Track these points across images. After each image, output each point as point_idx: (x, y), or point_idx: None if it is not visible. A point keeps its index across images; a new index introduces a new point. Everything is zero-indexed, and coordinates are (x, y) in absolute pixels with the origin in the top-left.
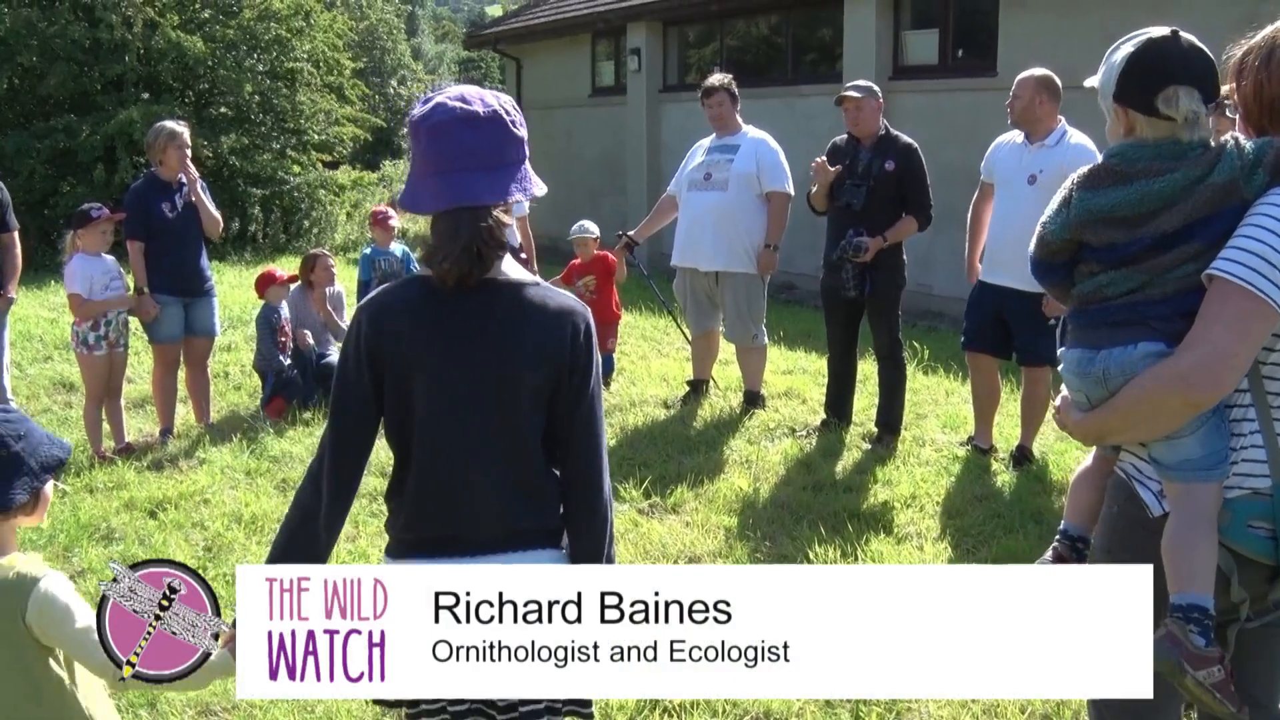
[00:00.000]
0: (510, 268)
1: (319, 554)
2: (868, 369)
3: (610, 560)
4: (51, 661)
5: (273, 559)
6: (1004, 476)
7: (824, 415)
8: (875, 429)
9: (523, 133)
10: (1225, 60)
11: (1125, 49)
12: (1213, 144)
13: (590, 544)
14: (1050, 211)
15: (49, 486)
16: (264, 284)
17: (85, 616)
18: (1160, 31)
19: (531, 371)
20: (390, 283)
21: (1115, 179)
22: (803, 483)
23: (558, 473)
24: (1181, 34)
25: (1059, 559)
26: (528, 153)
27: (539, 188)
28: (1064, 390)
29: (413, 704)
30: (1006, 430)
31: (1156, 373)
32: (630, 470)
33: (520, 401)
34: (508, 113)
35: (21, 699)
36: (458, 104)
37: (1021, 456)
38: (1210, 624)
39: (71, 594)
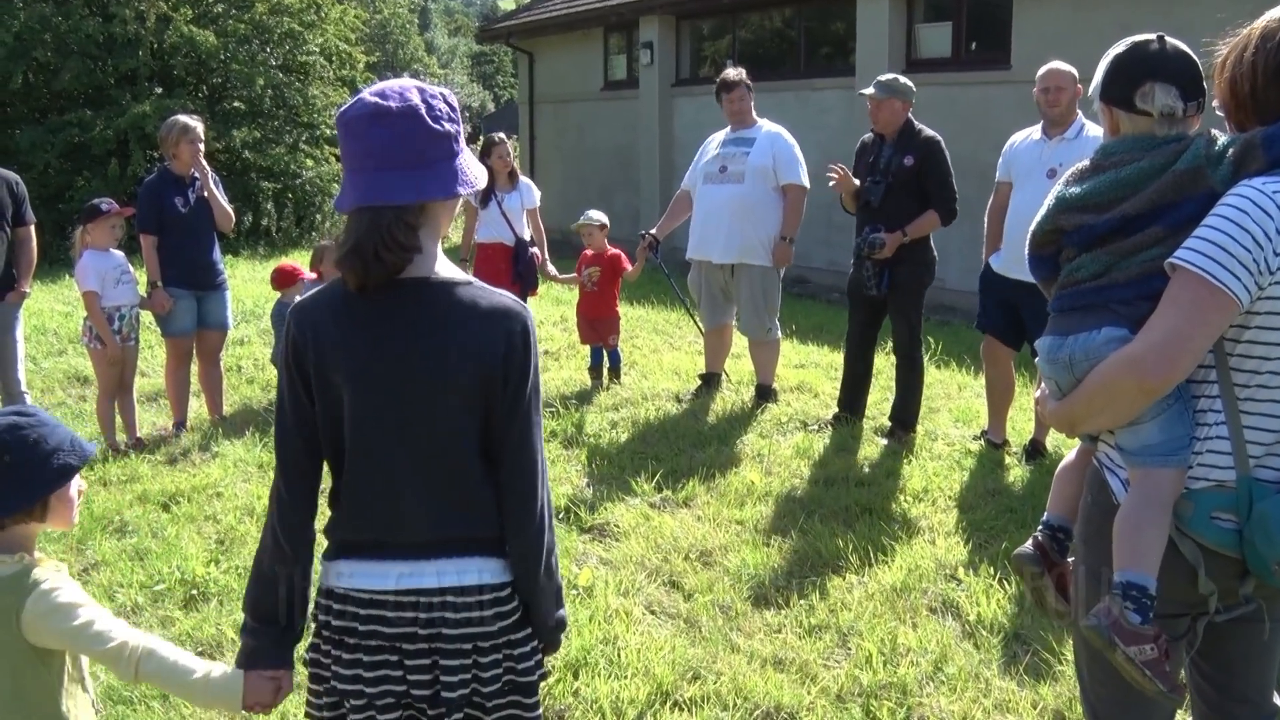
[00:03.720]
0: (443, 267)
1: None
2: (881, 363)
3: (548, 569)
4: (41, 666)
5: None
6: (1017, 471)
7: (836, 410)
8: (889, 424)
9: (449, 128)
10: (1213, 58)
11: (1113, 52)
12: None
13: (522, 553)
14: (1040, 208)
15: (73, 489)
16: (288, 279)
17: (89, 612)
18: (1147, 36)
19: (458, 374)
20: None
21: (1094, 171)
22: (814, 477)
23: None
24: (1167, 39)
25: (1039, 549)
26: (460, 148)
27: (469, 186)
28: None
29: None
30: (1020, 424)
31: (1114, 357)
32: (642, 464)
33: (447, 405)
34: (430, 108)
35: (7, 700)
36: (374, 99)
37: (1034, 451)
38: (1149, 604)
39: (74, 591)
